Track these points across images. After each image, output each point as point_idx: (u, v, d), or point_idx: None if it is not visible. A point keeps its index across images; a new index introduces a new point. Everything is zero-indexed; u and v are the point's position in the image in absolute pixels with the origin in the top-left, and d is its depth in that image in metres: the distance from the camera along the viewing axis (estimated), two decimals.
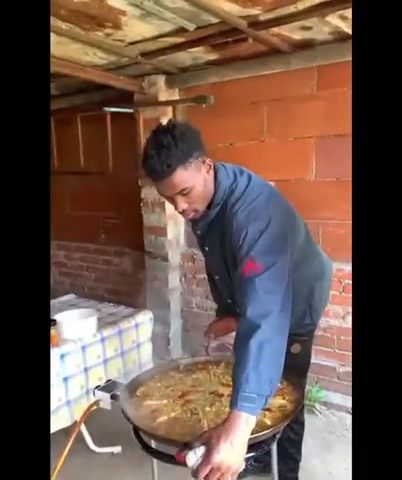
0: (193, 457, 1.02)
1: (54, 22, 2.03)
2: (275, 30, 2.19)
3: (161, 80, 2.91)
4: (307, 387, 2.71)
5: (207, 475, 1.02)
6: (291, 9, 1.95)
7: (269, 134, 2.69)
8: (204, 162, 1.36)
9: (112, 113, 3.01)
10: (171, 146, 1.27)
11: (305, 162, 2.59)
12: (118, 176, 3.27)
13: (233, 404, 1.08)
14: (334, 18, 2.02)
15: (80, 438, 2.06)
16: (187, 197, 1.34)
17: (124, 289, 3.57)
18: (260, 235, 1.30)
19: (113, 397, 1.45)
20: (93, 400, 1.51)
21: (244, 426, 1.05)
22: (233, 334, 1.27)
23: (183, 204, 1.35)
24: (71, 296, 2.60)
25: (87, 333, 1.95)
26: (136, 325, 2.19)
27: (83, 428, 2.10)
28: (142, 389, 1.45)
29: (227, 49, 2.43)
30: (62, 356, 1.84)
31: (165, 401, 1.36)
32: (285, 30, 2.21)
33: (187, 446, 1.05)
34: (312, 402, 2.65)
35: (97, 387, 1.50)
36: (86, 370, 1.93)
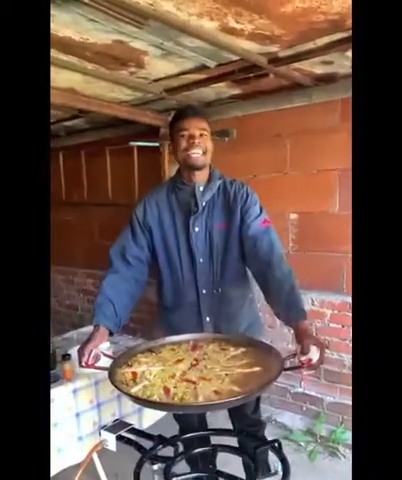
0: (315, 354, 1.30)
1: (80, 63, 2.12)
2: (296, 65, 2.21)
3: None
4: (331, 428, 2.60)
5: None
6: (310, 45, 1.96)
7: (292, 166, 2.68)
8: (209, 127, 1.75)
9: (139, 147, 3.07)
10: (200, 107, 1.78)
11: (328, 195, 2.55)
12: None
13: (301, 316, 1.42)
14: None
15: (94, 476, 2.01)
16: (203, 139, 1.68)
17: (148, 317, 3.56)
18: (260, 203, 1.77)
19: (119, 438, 1.42)
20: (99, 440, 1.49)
21: None
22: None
23: (200, 141, 1.67)
24: (91, 328, 2.59)
25: (101, 361, 1.93)
26: None
27: (98, 466, 2.05)
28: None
29: (249, 84, 2.46)
30: (75, 391, 1.83)
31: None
32: (306, 65, 2.22)
33: (303, 352, 1.31)
34: (335, 444, 2.51)
35: (103, 427, 1.47)
36: (99, 406, 1.91)
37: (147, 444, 1.42)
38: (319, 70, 2.31)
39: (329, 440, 2.54)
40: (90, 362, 1.45)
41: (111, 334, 1.58)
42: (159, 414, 2.12)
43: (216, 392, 1.24)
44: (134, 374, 1.38)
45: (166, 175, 3.03)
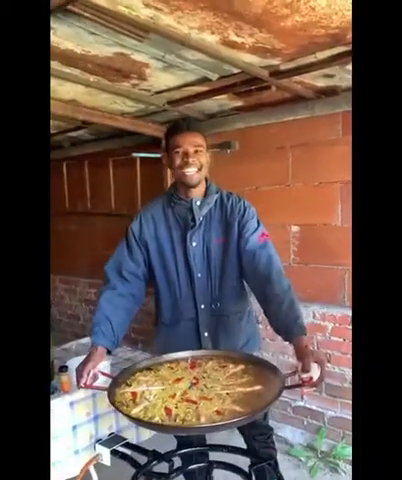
0: (316, 372, 1.29)
1: (82, 75, 2.14)
2: (298, 78, 2.21)
3: None
4: (332, 443, 2.56)
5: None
6: (311, 59, 1.96)
7: (294, 178, 2.67)
8: (205, 140, 1.73)
9: (141, 158, 3.08)
10: (194, 120, 1.81)
11: (331, 207, 2.54)
12: None
13: (301, 333, 1.40)
14: None
15: None
16: (198, 156, 1.66)
17: (149, 329, 3.54)
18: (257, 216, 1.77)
19: (114, 453, 1.40)
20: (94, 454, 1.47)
21: None
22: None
23: (195, 158, 1.65)
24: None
25: (99, 380, 1.92)
26: None
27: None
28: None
29: (251, 96, 2.47)
30: (72, 403, 1.81)
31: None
32: (308, 78, 2.22)
33: (304, 370, 1.29)
34: (336, 460, 2.47)
35: (98, 441, 1.46)
36: (96, 418, 1.89)
37: (143, 459, 1.40)
38: (321, 83, 2.31)
39: (330, 455, 2.50)
40: (88, 383, 1.43)
41: (109, 353, 1.57)
42: None
43: (218, 412, 1.23)
44: (134, 394, 1.36)
45: (168, 186, 3.01)
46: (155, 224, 1.77)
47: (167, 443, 1.69)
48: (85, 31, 1.61)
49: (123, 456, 1.40)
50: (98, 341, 1.54)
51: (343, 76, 2.19)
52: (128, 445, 1.44)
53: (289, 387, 1.33)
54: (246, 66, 2.01)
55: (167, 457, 1.36)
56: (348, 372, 2.48)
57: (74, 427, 1.82)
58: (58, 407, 1.78)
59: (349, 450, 2.46)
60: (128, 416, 1.24)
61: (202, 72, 2.11)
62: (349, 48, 1.81)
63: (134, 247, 1.75)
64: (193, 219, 1.72)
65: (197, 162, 1.66)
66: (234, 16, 1.53)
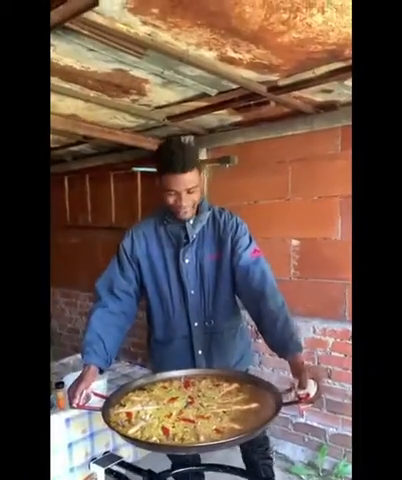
0: (313, 388, 1.30)
1: (82, 90, 2.15)
2: (296, 93, 2.23)
3: None
4: (333, 460, 2.52)
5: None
6: (309, 74, 1.97)
7: (294, 193, 2.67)
8: (200, 173, 1.65)
9: (142, 172, 3.10)
10: (190, 149, 1.61)
11: (330, 221, 2.53)
12: None
13: (297, 349, 1.41)
14: None
15: None
16: (192, 194, 1.59)
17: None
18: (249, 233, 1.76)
19: (108, 472, 1.38)
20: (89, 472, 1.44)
21: None
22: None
23: (188, 201, 1.59)
24: None
25: (92, 399, 1.89)
26: None
27: None
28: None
29: (251, 111, 2.48)
30: (67, 420, 1.79)
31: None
32: (306, 93, 2.24)
33: (301, 386, 1.29)
34: (338, 478, 2.42)
35: (93, 459, 1.43)
36: (92, 436, 1.86)
37: (137, 478, 1.38)
38: (319, 98, 2.33)
39: (332, 474, 2.46)
40: (81, 403, 1.40)
41: (101, 372, 1.54)
42: None
43: (217, 431, 1.21)
44: (129, 414, 1.35)
45: None
46: (147, 241, 1.75)
47: (165, 461, 1.67)
48: (84, 48, 1.63)
49: (118, 475, 1.37)
50: (90, 360, 1.51)
51: (341, 91, 2.20)
52: (123, 464, 1.42)
53: (285, 404, 1.31)
54: (244, 82, 2.02)
55: (162, 477, 1.34)
56: (349, 388, 2.45)
57: (70, 445, 1.80)
58: (54, 424, 1.77)
59: (351, 468, 2.41)
60: (125, 436, 1.22)
61: (201, 88, 2.13)
62: (347, 64, 1.82)
63: (126, 264, 1.73)
64: (186, 237, 1.71)
65: (191, 202, 1.62)
66: (231, 33, 1.54)
